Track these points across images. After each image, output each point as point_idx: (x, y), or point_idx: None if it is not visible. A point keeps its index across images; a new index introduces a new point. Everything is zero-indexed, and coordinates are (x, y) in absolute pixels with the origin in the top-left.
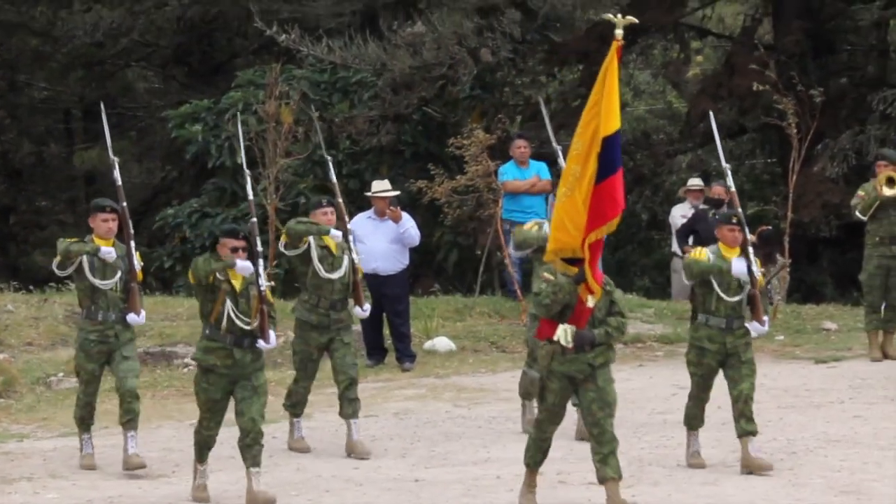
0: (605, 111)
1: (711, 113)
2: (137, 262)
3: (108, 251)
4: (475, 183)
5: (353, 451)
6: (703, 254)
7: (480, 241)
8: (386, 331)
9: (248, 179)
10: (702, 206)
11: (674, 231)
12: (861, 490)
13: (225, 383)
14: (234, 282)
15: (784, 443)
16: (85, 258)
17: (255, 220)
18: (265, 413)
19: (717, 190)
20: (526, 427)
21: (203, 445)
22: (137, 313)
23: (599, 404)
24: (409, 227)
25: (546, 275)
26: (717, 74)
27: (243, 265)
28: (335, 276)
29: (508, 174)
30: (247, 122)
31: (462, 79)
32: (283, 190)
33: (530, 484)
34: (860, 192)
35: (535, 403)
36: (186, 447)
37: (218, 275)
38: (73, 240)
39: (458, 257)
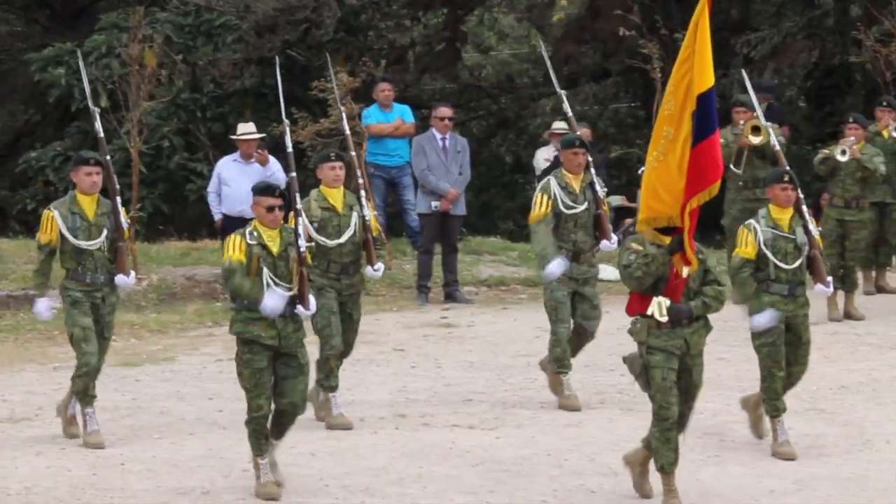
0: (699, 67)
1: (744, 72)
2: (124, 220)
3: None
4: (339, 126)
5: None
6: (749, 246)
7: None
8: None
9: (288, 131)
10: None
11: (537, 174)
12: (724, 432)
13: (268, 353)
14: (269, 244)
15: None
16: (61, 220)
17: (294, 174)
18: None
19: (584, 133)
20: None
21: (259, 433)
22: (127, 274)
23: (685, 391)
24: (276, 170)
25: (635, 245)
26: (581, 18)
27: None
28: (343, 239)
29: (372, 117)
30: (110, 66)
31: (326, 22)
32: (146, 133)
33: (670, 491)
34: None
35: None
36: (49, 390)
37: (248, 239)
38: (43, 238)
39: None
